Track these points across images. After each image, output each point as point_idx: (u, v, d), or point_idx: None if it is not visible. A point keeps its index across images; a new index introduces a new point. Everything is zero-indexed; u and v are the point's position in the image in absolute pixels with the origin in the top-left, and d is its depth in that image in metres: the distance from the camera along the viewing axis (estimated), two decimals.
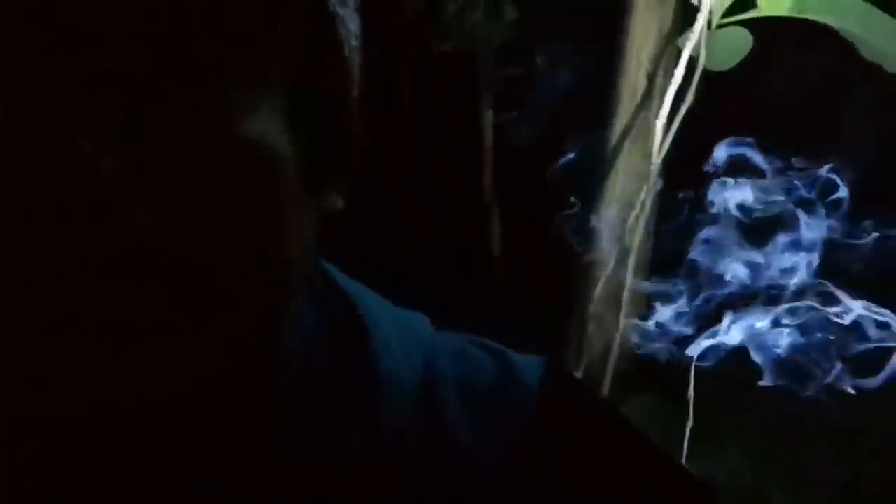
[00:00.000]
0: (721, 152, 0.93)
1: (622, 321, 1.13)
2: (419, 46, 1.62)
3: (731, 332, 0.88)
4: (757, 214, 0.91)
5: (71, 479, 0.33)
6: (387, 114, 1.72)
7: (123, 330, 0.29)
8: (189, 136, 0.29)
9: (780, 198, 0.89)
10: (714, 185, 0.92)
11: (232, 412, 0.34)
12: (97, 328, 0.29)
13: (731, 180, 0.92)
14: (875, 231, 0.89)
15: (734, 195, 0.91)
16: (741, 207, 0.91)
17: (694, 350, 0.90)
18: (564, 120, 1.31)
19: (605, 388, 1.16)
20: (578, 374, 1.22)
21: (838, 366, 0.87)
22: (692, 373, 1.00)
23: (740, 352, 0.94)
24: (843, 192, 0.89)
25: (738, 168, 0.94)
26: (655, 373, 1.22)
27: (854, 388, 0.87)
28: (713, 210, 0.93)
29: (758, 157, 0.92)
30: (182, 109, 0.29)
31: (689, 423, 1.00)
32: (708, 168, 0.94)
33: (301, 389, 0.36)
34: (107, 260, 0.28)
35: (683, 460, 1.03)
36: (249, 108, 0.30)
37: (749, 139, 0.93)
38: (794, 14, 1.04)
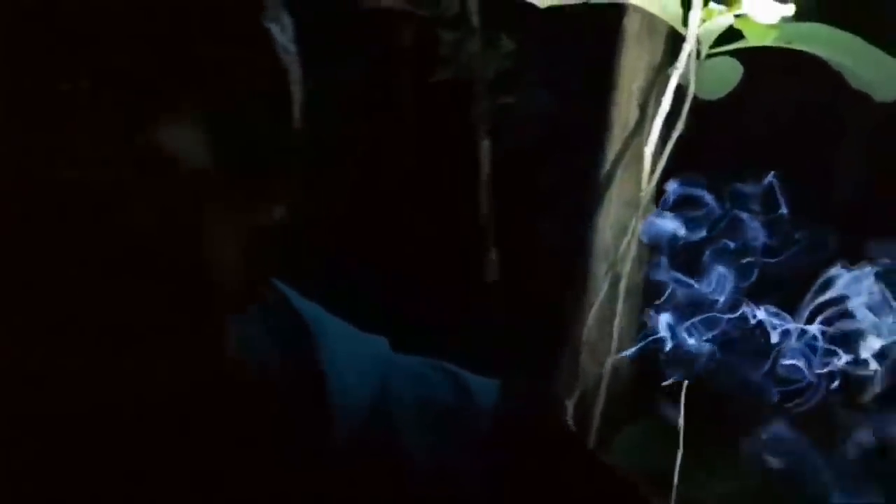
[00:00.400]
0: (671, 189, 0.97)
1: (614, 348, 1.13)
2: (416, 75, 1.64)
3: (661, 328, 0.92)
4: (684, 243, 0.95)
5: (71, 479, 0.33)
6: (382, 139, 1.73)
7: (123, 330, 0.29)
8: (182, 138, 0.30)
9: (704, 233, 0.93)
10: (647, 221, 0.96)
11: (226, 413, 0.34)
12: (96, 328, 0.29)
13: (667, 213, 0.95)
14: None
15: (666, 227, 0.95)
16: (673, 238, 0.94)
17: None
18: (558, 148, 1.33)
19: (598, 416, 1.16)
20: (571, 403, 1.22)
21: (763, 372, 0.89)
22: (682, 402, 1.00)
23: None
24: (783, 209, 0.91)
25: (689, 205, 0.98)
26: (649, 400, 1.22)
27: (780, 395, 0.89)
28: (647, 242, 0.97)
29: (707, 196, 0.95)
30: (180, 109, 0.30)
31: (680, 452, 1.00)
32: (660, 206, 0.97)
33: (255, 412, 0.36)
34: (106, 259, 0.29)
35: (674, 489, 1.03)
36: (171, 124, 0.31)
37: (699, 178, 0.97)
38: (782, 44, 1.05)
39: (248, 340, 0.36)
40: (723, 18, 0.99)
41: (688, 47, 0.98)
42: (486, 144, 1.61)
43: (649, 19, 1.19)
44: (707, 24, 0.98)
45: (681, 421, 1.00)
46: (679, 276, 0.94)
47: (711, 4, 0.99)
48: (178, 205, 0.31)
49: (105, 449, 0.33)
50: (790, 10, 0.98)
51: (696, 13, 0.97)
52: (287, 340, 0.38)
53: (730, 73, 1.11)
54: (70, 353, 0.30)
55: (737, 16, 1.01)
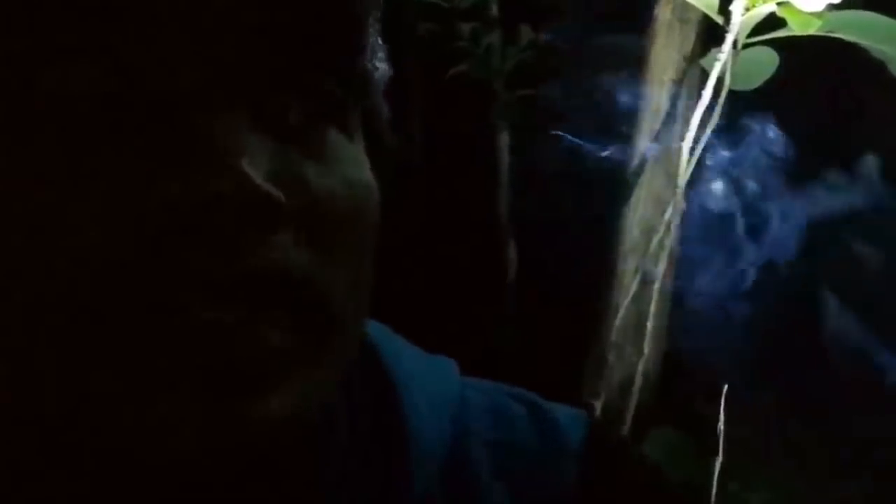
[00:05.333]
0: None
1: (646, 350, 1.09)
2: (432, 68, 1.59)
3: None
4: None
5: None
6: (398, 136, 1.68)
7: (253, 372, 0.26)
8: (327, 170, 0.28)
9: None
10: None
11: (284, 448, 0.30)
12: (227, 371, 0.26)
13: None
14: None
15: None
16: None
17: None
18: (585, 142, 1.28)
19: (627, 422, 1.11)
20: (598, 405, 1.18)
21: None
22: (722, 405, 0.96)
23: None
24: None
25: None
26: (680, 406, 1.17)
27: None
28: None
29: None
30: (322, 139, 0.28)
31: (719, 460, 0.95)
32: None
33: (324, 449, 0.32)
34: (246, 297, 0.26)
35: (713, 499, 0.99)
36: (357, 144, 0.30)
37: None
38: (825, 33, 1.00)
39: None
40: (766, 6, 0.94)
41: (731, 36, 0.94)
42: (504, 138, 1.56)
43: (681, 7, 1.14)
44: (750, 12, 0.94)
45: (721, 426, 0.96)
46: None
47: None
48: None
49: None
50: None
51: (739, 1, 0.92)
52: (356, 367, 0.33)
53: (766, 63, 1.07)
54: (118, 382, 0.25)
55: (779, 3, 0.96)
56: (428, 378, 0.34)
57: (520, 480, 0.33)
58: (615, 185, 1.21)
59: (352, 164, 0.29)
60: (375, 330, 0.35)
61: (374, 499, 0.31)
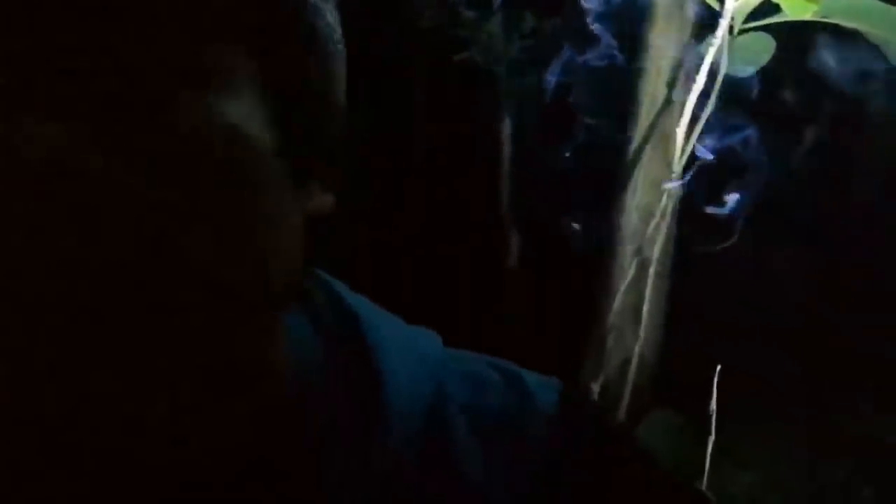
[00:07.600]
0: None
1: (642, 333, 1.10)
2: (436, 55, 1.60)
3: None
4: None
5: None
6: (401, 122, 1.70)
7: (163, 328, 0.26)
8: (167, 130, 0.26)
9: None
10: None
11: (268, 417, 0.31)
12: (127, 325, 0.25)
13: None
14: None
15: None
16: None
17: None
18: (584, 129, 1.29)
19: (624, 402, 1.13)
20: (596, 387, 1.19)
21: None
22: (714, 384, 0.97)
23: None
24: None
25: None
26: (676, 387, 1.19)
27: None
28: None
29: None
30: (158, 104, 0.26)
31: (711, 438, 0.97)
32: None
33: (305, 415, 0.33)
34: (143, 248, 0.25)
35: (705, 477, 1.00)
36: (228, 101, 0.27)
37: None
38: (820, 18, 1.01)
39: (293, 337, 0.32)
40: None
41: (724, 22, 0.94)
42: (506, 124, 1.57)
43: None
44: None
45: (713, 405, 0.97)
46: None
47: None
48: (224, 189, 0.26)
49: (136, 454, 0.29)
50: None
51: None
52: (335, 337, 0.34)
53: (762, 49, 1.08)
54: (96, 355, 0.26)
55: None
56: (406, 343, 0.35)
57: (493, 441, 0.35)
58: (615, 171, 1.22)
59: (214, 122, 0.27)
60: (355, 301, 0.36)
61: (354, 470, 0.32)
